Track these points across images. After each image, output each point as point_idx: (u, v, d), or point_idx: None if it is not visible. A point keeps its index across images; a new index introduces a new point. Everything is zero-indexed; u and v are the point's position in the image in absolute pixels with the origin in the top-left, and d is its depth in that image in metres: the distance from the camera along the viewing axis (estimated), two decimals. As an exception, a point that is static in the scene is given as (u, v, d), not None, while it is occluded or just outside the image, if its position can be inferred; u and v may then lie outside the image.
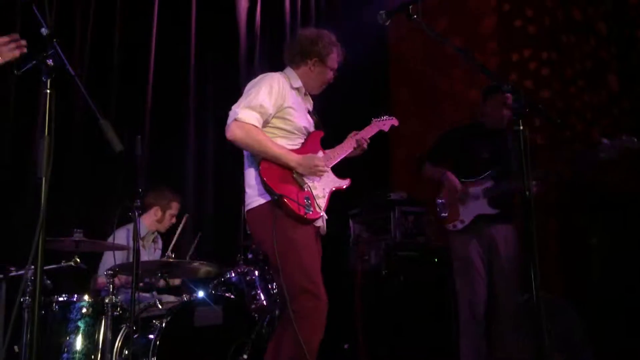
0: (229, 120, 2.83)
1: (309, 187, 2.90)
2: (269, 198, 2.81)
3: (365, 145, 3.17)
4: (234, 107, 2.86)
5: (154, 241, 4.54)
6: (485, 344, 3.73)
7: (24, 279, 2.33)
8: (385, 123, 3.34)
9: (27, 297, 3.20)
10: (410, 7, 2.67)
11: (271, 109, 2.88)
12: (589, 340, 4.61)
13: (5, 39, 1.96)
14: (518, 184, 3.60)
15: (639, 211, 5.11)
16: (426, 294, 4.63)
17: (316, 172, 2.91)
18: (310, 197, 2.87)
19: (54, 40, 1.78)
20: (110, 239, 3.94)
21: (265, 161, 2.83)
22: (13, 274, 3.39)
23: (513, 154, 3.84)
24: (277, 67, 3.18)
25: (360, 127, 3.28)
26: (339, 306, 2.91)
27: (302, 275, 2.76)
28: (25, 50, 1.99)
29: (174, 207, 4.53)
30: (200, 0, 5.61)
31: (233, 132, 2.79)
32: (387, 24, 2.80)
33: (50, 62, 1.77)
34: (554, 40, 5.79)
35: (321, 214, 2.93)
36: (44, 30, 1.78)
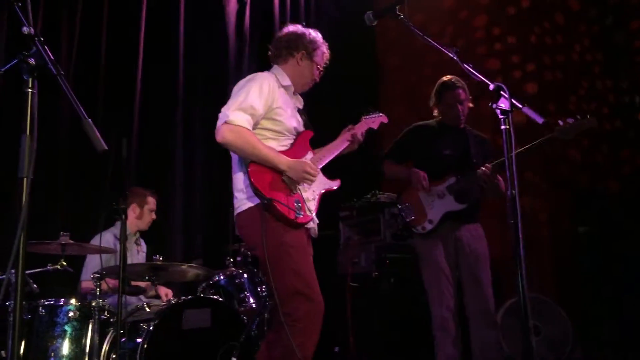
0: (219, 123, 2.76)
1: (299, 189, 2.85)
2: (257, 201, 2.75)
3: (361, 138, 3.13)
4: (223, 109, 2.79)
5: (136, 243, 4.49)
6: (458, 353, 3.67)
7: (4, 282, 2.28)
8: (375, 120, 3.30)
9: (12, 301, 3.16)
10: (397, 7, 2.68)
11: (261, 110, 2.83)
12: (578, 341, 4.63)
13: None
14: (480, 178, 3.65)
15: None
16: (417, 296, 4.61)
17: (306, 179, 2.84)
18: (301, 200, 2.82)
19: (36, 38, 1.75)
20: (94, 242, 3.92)
21: (254, 164, 2.77)
22: (-6, 277, 3.35)
23: (473, 150, 3.82)
24: (266, 69, 3.12)
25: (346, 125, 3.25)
26: (330, 309, 2.87)
27: (294, 278, 2.70)
28: None
29: (151, 202, 4.48)
30: (189, 1, 5.61)
31: (223, 134, 2.73)
32: (374, 24, 2.81)
33: (32, 60, 1.74)
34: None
35: (312, 217, 2.88)
36: (25, 29, 1.74)
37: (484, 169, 3.65)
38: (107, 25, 5.15)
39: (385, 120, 3.35)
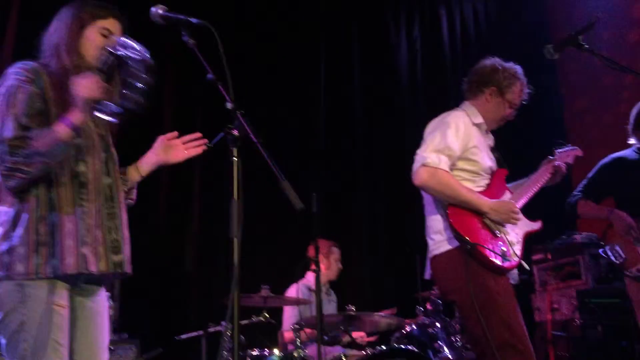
0: (416, 165, 2.67)
1: (502, 232, 2.70)
2: (457, 244, 2.62)
3: (565, 170, 2.96)
4: (419, 152, 2.71)
5: (327, 293, 4.66)
6: None
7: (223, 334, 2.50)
8: (569, 154, 3.09)
9: (225, 353, 3.42)
10: (580, 37, 2.53)
11: (458, 151, 2.72)
12: None
13: (191, 137, 2.24)
14: None
15: None
16: (629, 345, 4.14)
17: (511, 220, 2.70)
18: (505, 244, 2.66)
19: (238, 112, 1.95)
20: (289, 293, 4.13)
21: (452, 206, 2.65)
22: (211, 329, 3.67)
23: None
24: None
25: (537, 162, 3.09)
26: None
27: (503, 328, 2.53)
28: (206, 148, 2.25)
29: (336, 252, 4.66)
30: (363, 58, 5.85)
31: (421, 177, 2.64)
32: (556, 58, 2.66)
33: (235, 132, 1.94)
34: None
35: (518, 263, 2.70)
36: (228, 105, 1.96)
37: None
38: (288, 91, 5.56)
39: (580, 153, 3.14)
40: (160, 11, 2.05)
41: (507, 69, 2.90)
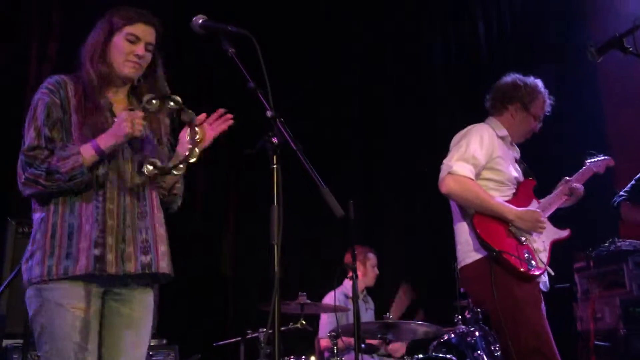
0: (443, 174, 2.77)
1: (528, 240, 2.73)
2: (484, 253, 2.68)
3: (581, 192, 2.94)
4: (445, 161, 2.81)
5: (364, 300, 4.64)
6: None
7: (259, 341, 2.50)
8: (600, 164, 3.10)
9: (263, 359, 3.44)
10: (624, 39, 2.47)
11: (483, 160, 2.80)
12: None
13: (214, 116, 2.16)
14: None
15: None
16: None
17: (537, 228, 2.74)
18: (531, 252, 2.70)
19: (277, 120, 1.97)
20: (326, 300, 4.13)
21: (478, 214, 2.72)
22: (249, 336, 3.69)
23: None
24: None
25: (571, 172, 3.07)
26: (573, 369, 2.65)
27: (531, 336, 2.57)
28: (231, 122, 2.19)
29: (372, 258, 4.63)
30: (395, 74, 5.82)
31: (448, 185, 2.72)
32: (600, 61, 2.61)
33: (275, 140, 1.95)
34: None
35: (544, 269, 2.74)
36: (268, 113, 1.97)
37: None
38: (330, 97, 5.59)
39: (611, 163, 3.12)
40: (200, 21, 2.08)
41: (529, 84, 2.98)
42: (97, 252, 1.92)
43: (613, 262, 4.49)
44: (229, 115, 2.20)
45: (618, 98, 5.97)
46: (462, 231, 2.82)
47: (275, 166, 1.94)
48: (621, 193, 3.67)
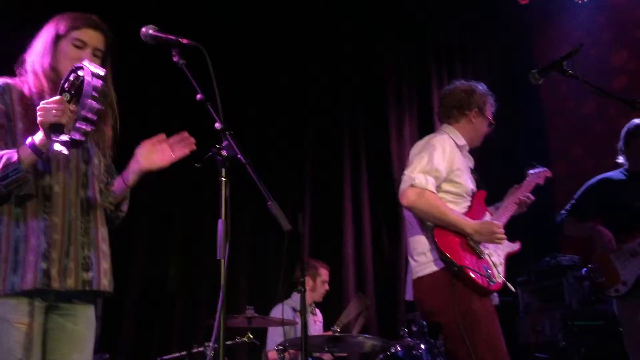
0: (404, 186, 2.71)
1: (486, 254, 2.73)
2: (442, 265, 2.65)
3: (529, 201, 2.99)
4: (407, 173, 2.75)
5: (312, 313, 4.62)
6: None
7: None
8: (540, 175, 3.13)
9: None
10: (564, 62, 2.56)
11: (444, 173, 2.77)
12: None
13: (176, 138, 2.11)
14: None
15: None
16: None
17: (495, 240, 2.72)
18: (489, 266, 2.70)
19: (227, 133, 1.96)
20: (274, 314, 4.11)
21: (438, 228, 2.68)
22: (195, 350, 3.63)
23: None
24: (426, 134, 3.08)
25: (518, 181, 3.14)
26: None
27: (487, 351, 2.56)
28: (194, 147, 2.14)
29: (323, 274, 4.60)
30: (352, 78, 5.89)
31: (409, 198, 2.67)
32: (541, 83, 2.70)
33: (224, 152, 1.94)
34: None
35: (503, 283, 2.74)
36: (218, 125, 1.95)
37: None
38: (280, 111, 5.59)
39: (549, 174, 3.16)
40: (151, 31, 2.05)
41: (480, 88, 3.02)
42: (44, 265, 1.87)
43: (553, 276, 4.65)
44: (192, 140, 2.15)
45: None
46: (419, 244, 2.79)
47: (223, 179, 1.93)
48: (562, 212, 3.80)
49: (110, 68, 2.14)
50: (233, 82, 5.24)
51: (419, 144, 2.90)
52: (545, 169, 3.18)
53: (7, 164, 1.82)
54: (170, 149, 2.12)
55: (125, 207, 2.22)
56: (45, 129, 1.77)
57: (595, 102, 5.56)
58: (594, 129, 5.75)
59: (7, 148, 1.90)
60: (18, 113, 1.95)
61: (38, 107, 1.79)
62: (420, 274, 2.76)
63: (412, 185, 2.68)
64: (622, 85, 5.61)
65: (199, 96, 1.97)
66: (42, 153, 1.84)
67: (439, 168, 2.74)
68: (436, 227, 2.70)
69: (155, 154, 2.11)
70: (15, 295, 1.86)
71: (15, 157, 1.82)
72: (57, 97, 1.78)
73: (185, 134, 2.15)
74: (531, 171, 3.14)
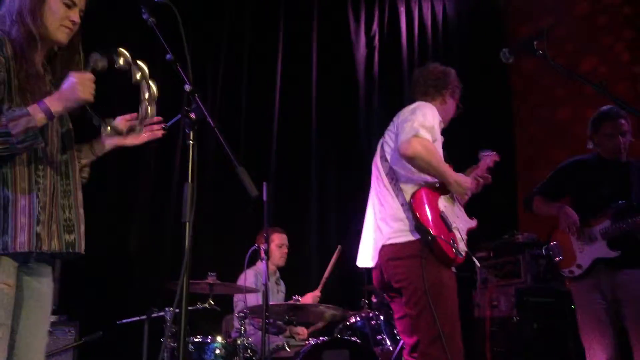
0: (407, 136, 2.71)
1: (454, 228, 2.79)
2: (418, 236, 2.70)
3: (484, 182, 3.04)
4: (409, 124, 2.76)
5: (276, 282, 4.64)
6: None
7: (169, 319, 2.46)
8: (489, 158, 3.18)
9: (167, 339, 3.38)
10: (535, 42, 2.58)
11: (436, 134, 2.85)
12: None
13: (152, 120, 2.11)
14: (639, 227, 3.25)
15: None
16: (562, 343, 4.32)
17: (464, 195, 2.87)
18: (455, 239, 2.76)
19: (196, 95, 1.92)
20: (239, 282, 4.11)
21: (415, 197, 2.74)
22: (155, 315, 3.62)
23: (635, 187, 3.44)
24: (396, 110, 3.06)
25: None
26: (468, 353, 2.77)
27: (445, 321, 2.62)
28: (161, 134, 2.18)
29: (277, 238, 4.58)
30: (321, 50, 5.86)
31: (414, 147, 2.68)
32: (511, 62, 2.72)
33: (192, 115, 1.90)
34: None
35: (464, 257, 2.81)
36: (187, 87, 1.92)
37: None
38: (248, 76, 5.52)
39: (497, 158, 3.19)
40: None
41: (452, 72, 3.09)
42: (38, 229, 1.85)
43: (511, 253, 4.77)
44: (161, 126, 2.18)
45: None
46: (395, 210, 2.80)
47: (191, 142, 1.90)
48: (534, 189, 3.84)
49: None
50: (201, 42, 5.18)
51: (409, 108, 2.91)
52: (493, 152, 3.22)
53: (28, 128, 1.78)
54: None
55: (87, 175, 2.20)
56: (76, 102, 1.84)
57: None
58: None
59: (9, 104, 1.85)
60: (12, 68, 1.89)
61: (75, 78, 1.82)
62: (394, 240, 2.77)
63: (416, 136, 2.71)
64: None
65: (168, 56, 1.93)
66: (53, 119, 1.87)
67: (434, 127, 2.82)
68: (414, 195, 2.74)
69: (130, 131, 2.13)
70: (3, 256, 1.83)
71: (33, 121, 1.80)
72: (92, 76, 1.85)
73: (159, 118, 2.15)
74: (484, 153, 3.20)
